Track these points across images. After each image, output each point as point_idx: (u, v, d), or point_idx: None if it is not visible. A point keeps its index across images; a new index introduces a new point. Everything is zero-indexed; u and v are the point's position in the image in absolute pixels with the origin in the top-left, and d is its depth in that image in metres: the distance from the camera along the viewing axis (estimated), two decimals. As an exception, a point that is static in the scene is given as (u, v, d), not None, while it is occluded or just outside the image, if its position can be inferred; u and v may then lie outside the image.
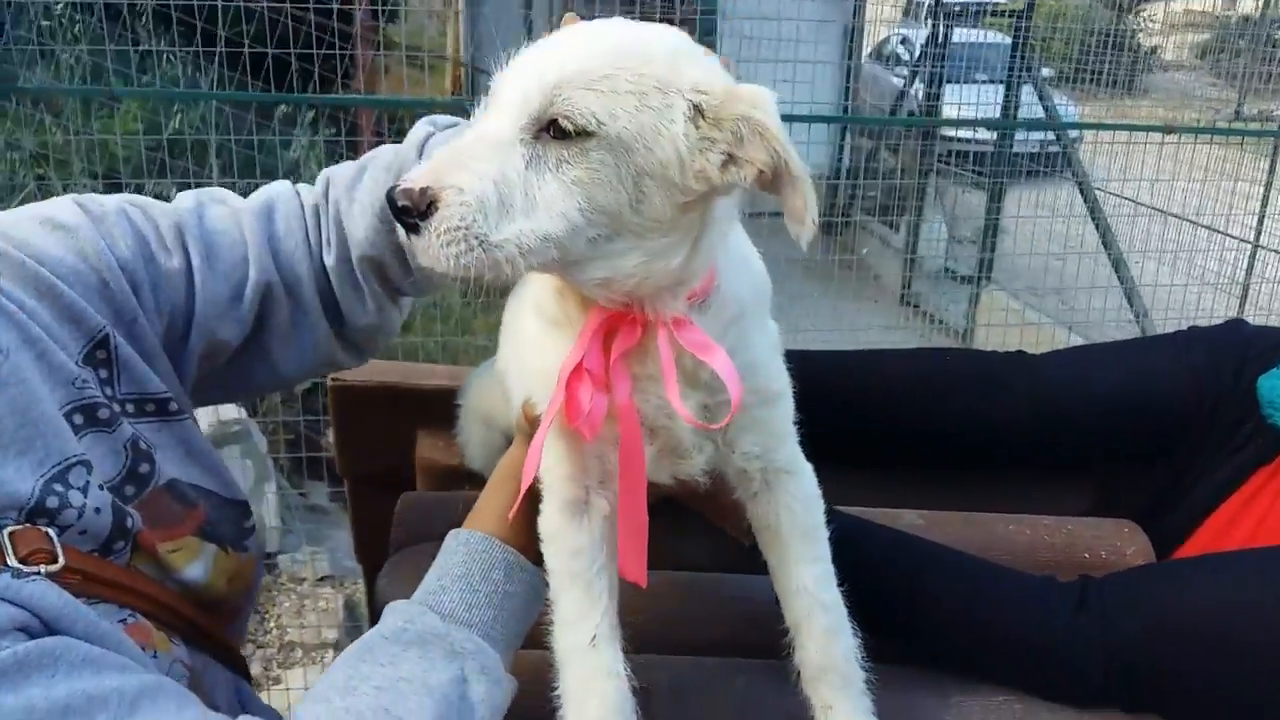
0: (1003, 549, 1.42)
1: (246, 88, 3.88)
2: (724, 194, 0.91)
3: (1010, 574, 1.22)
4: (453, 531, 1.13)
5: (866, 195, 7.51)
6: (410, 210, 0.82)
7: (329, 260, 1.25)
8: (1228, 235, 5.02)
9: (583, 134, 0.84)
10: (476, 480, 1.62)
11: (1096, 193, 5.71)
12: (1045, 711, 1.12)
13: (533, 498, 1.11)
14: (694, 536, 1.35)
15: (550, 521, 1.06)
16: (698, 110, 0.86)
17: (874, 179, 7.91)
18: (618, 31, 0.90)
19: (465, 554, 1.08)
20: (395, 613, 1.04)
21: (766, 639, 1.26)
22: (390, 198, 0.84)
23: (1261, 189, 5.01)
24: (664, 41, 0.90)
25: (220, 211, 1.25)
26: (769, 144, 0.86)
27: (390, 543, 1.50)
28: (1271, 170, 4.95)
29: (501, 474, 1.16)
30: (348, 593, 4.21)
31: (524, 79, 0.86)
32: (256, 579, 1.29)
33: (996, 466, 1.51)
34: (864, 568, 1.08)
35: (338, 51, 3.76)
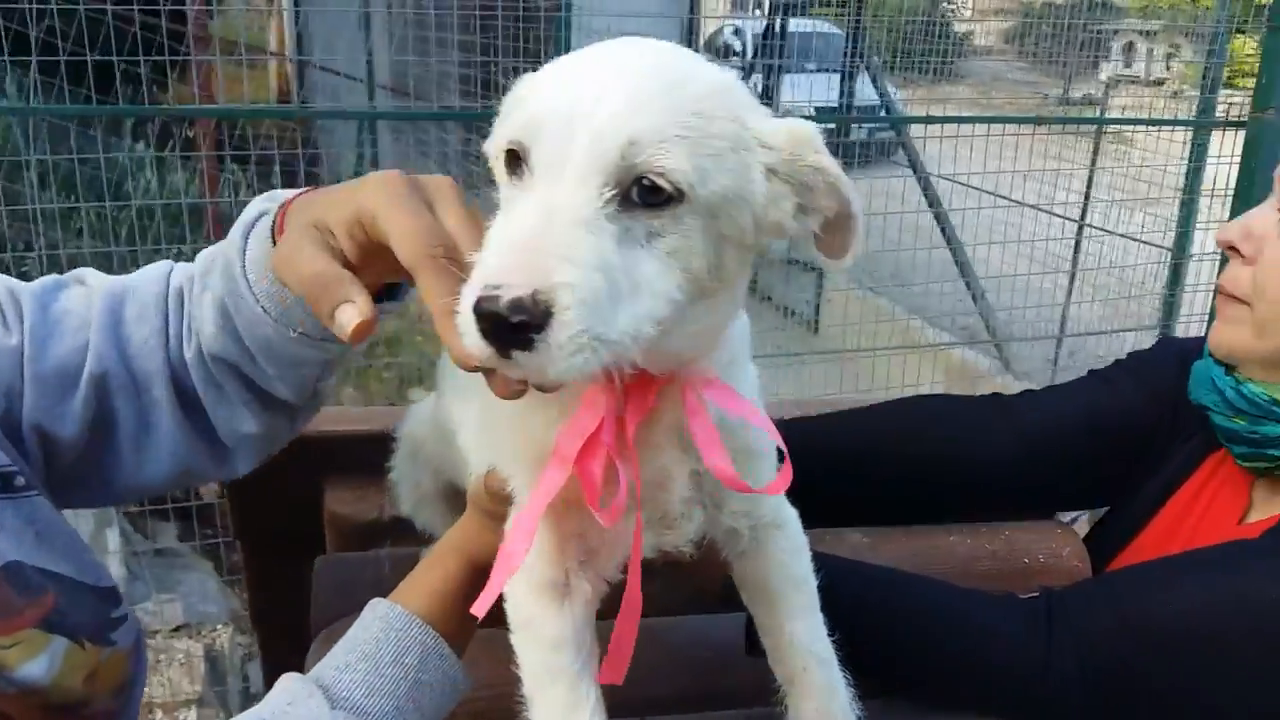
0: (946, 560, 1.44)
1: (65, 96, 3.52)
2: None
3: (976, 599, 1.22)
4: (373, 601, 0.99)
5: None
6: (527, 326, 0.66)
7: (188, 354, 1.07)
8: (1053, 214, 5.33)
9: (672, 199, 0.73)
10: (402, 535, 1.50)
11: (929, 176, 5.98)
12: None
13: (473, 577, 0.99)
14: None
15: (523, 607, 0.94)
16: (769, 167, 0.79)
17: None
18: (663, 61, 0.78)
19: (380, 630, 0.95)
20: (283, 690, 0.91)
21: (734, 685, 1.22)
22: (489, 313, 0.66)
23: (1086, 170, 5.34)
24: (713, 79, 0.79)
25: (77, 293, 1.09)
26: (839, 191, 0.81)
27: (311, 611, 1.37)
28: (1095, 154, 5.27)
29: (444, 547, 1.04)
30: (207, 641, 3.93)
31: (589, 130, 0.71)
32: (133, 677, 1.12)
33: (974, 511, 1.51)
34: (844, 611, 1.05)
35: (168, 56, 3.47)
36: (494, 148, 0.80)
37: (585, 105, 0.72)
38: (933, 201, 5.50)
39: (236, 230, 1.03)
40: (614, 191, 0.71)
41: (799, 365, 5.63)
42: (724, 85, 0.80)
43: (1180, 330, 4.99)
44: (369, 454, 1.45)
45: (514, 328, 0.66)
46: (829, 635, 1.03)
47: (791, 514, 1.05)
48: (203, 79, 3.72)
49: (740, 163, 0.77)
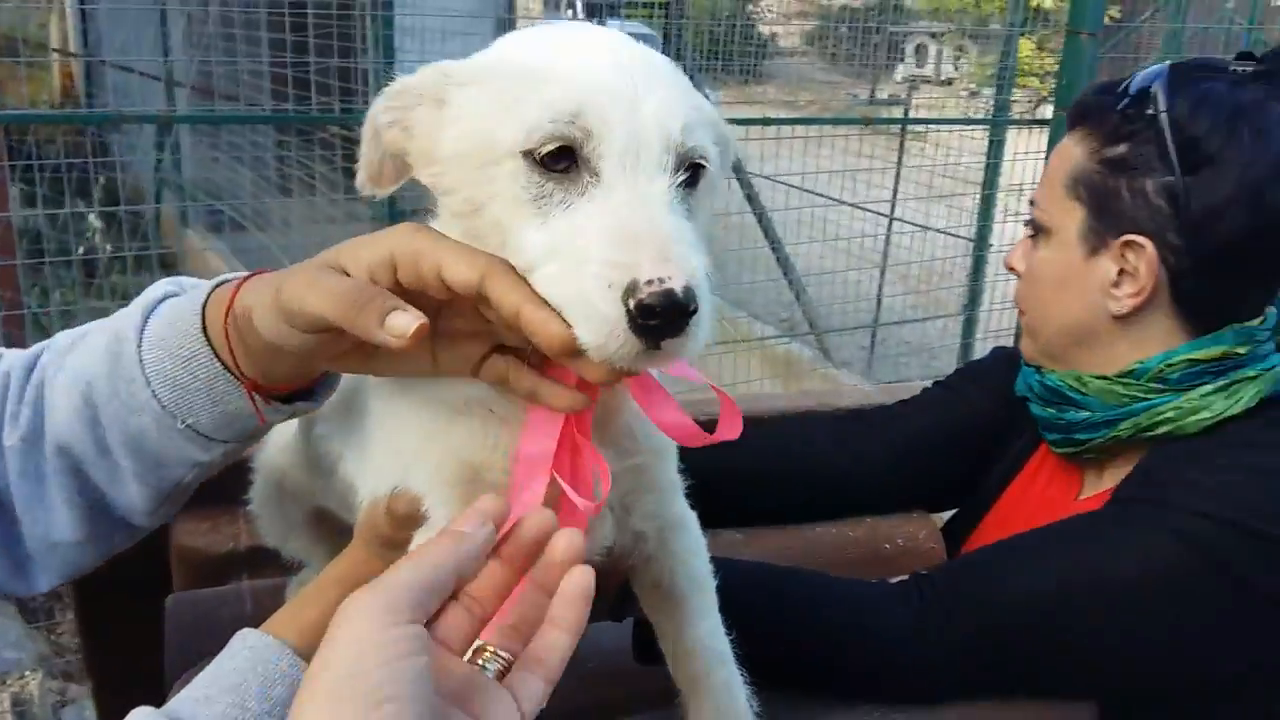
0: (816, 551, 1.49)
1: None
2: None
3: (852, 587, 1.26)
4: (242, 631, 0.91)
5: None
6: (695, 312, 0.68)
7: (7, 439, 0.95)
8: (864, 209, 5.61)
9: (699, 175, 0.77)
10: (261, 566, 1.42)
11: (748, 175, 6.17)
12: (922, 717, 1.17)
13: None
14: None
15: None
16: (715, 139, 0.82)
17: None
18: (641, 47, 0.80)
19: (247, 660, 0.87)
20: None
21: (625, 694, 1.22)
22: (668, 305, 0.67)
23: (894, 169, 5.65)
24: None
25: None
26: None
27: (165, 655, 1.27)
28: (900, 152, 5.59)
29: (326, 580, 0.97)
30: (14, 690, 3.60)
31: (654, 121, 0.73)
32: None
33: (842, 514, 1.57)
34: (737, 608, 1.06)
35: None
36: (498, 149, 0.75)
37: (632, 91, 0.73)
38: (752, 200, 5.68)
39: (133, 310, 0.93)
40: (683, 177, 0.75)
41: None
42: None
43: (983, 317, 5.37)
44: (219, 480, 1.35)
45: (687, 315, 0.68)
46: (727, 634, 1.04)
47: (692, 514, 1.05)
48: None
49: (715, 136, 0.81)
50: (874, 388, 1.86)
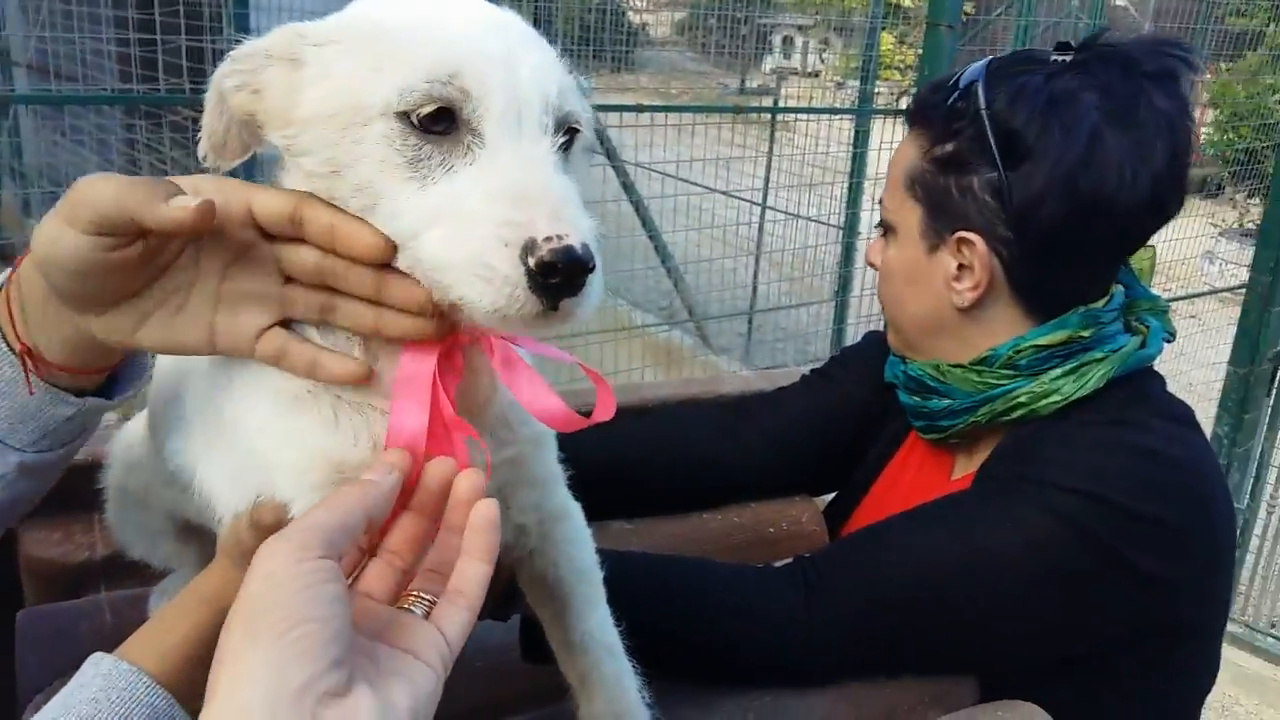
0: (703, 538, 1.50)
1: None
2: None
3: (741, 573, 1.27)
4: (94, 655, 0.84)
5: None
6: (592, 269, 0.68)
7: None
8: (737, 198, 5.69)
9: (573, 137, 0.78)
10: (119, 576, 1.33)
11: (622, 163, 6.18)
12: (812, 697, 1.18)
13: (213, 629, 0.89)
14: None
15: None
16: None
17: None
18: (502, 12, 0.78)
19: (100, 689, 0.79)
20: None
21: (515, 692, 1.20)
22: (570, 263, 0.66)
23: (765, 158, 5.75)
24: None
25: None
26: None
27: (17, 675, 1.18)
28: (771, 142, 5.69)
29: (191, 598, 0.89)
30: None
31: (533, 83, 0.72)
32: None
33: (728, 501, 1.58)
34: (625, 601, 1.05)
35: None
36: (367, 109, 0.71)
37: (507, 52, 0.72)
38: (628, 188, 5.68)
39: None
40: (563, 139, 0.75)
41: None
42: None
43: (854, 304, 5.53)
44: (72, 485, 1.25)
45: (586, 272, 0.67)
46: (616, 625, 1.02)
47: (575, 505, 1.03)
48: None
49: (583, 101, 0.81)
50: (755, 375, 1.88)
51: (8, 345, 0.82)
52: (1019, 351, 1.31)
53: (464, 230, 0.68)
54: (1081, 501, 1.18)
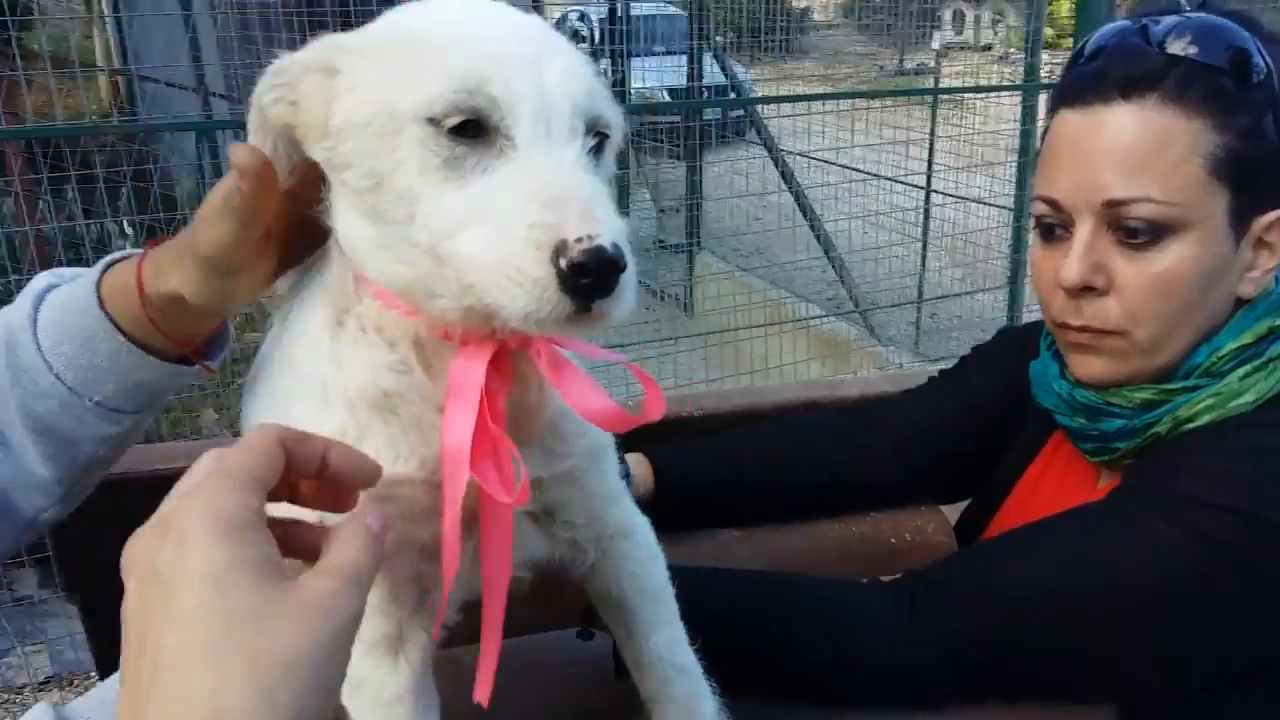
0: (817, 548, 1.45)
1: None
2: None
3: (842, 590, 1.21)
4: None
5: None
6: (624, 269, 0.67)
7: None
8: (901, 182, 5.49)
9: (604, 142, 0.78)
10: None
11: (782, 153, 6.09)
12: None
13: None
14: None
15: (355, 667, 0.86)
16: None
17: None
18: (532, 18, 0.79)
19: None
20: None
21: (606, 701, 1.19)
22: (601, 263, 0.65)
23: (927, 138, 5.52)
24: None
25: None
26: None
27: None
28: (933, 123, 5.45)
29: None
30: (79, 691, 3.70)
31: (560, 87, 0.73)
32: None
33: (847, 509, 1.52)
34: (703, 618, 1.03)
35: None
36: (401, 115, 0.72)
37: (534, 59, 0.73)
38: (787, 178, 5.59)
39: (21, 303, 0.94)
40: (593, 142, 0.75)
41: (674, 348, 5.66)
42: None
43: (1027, 290, 5.22)
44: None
45: (618, 272, 0.67)
46: (691, 645, 1.00)
47: (641, 522, 1.01)
48: (4, 96, 3.43)
49: (615, 107, 0.81)
50: (879, 377, 1.81)
51: (134, 343, 0.92)
52: (1219, 358, 1.18)
53: (496, 232, 0.68)
54: (1225, 518, 1.06)
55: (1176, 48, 1.14)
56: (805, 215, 5.57)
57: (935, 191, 5.54)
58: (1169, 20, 1.16)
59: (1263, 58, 1.13)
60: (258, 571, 0.57)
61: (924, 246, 5.52)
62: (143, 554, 0.58)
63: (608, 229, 0.67)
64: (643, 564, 0.99)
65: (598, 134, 0.76)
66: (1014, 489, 1.47)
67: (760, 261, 6.62)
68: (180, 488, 0.62)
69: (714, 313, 5.87)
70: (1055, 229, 1.22)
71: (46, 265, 3.87)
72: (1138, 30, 1.17)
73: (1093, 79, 1.17)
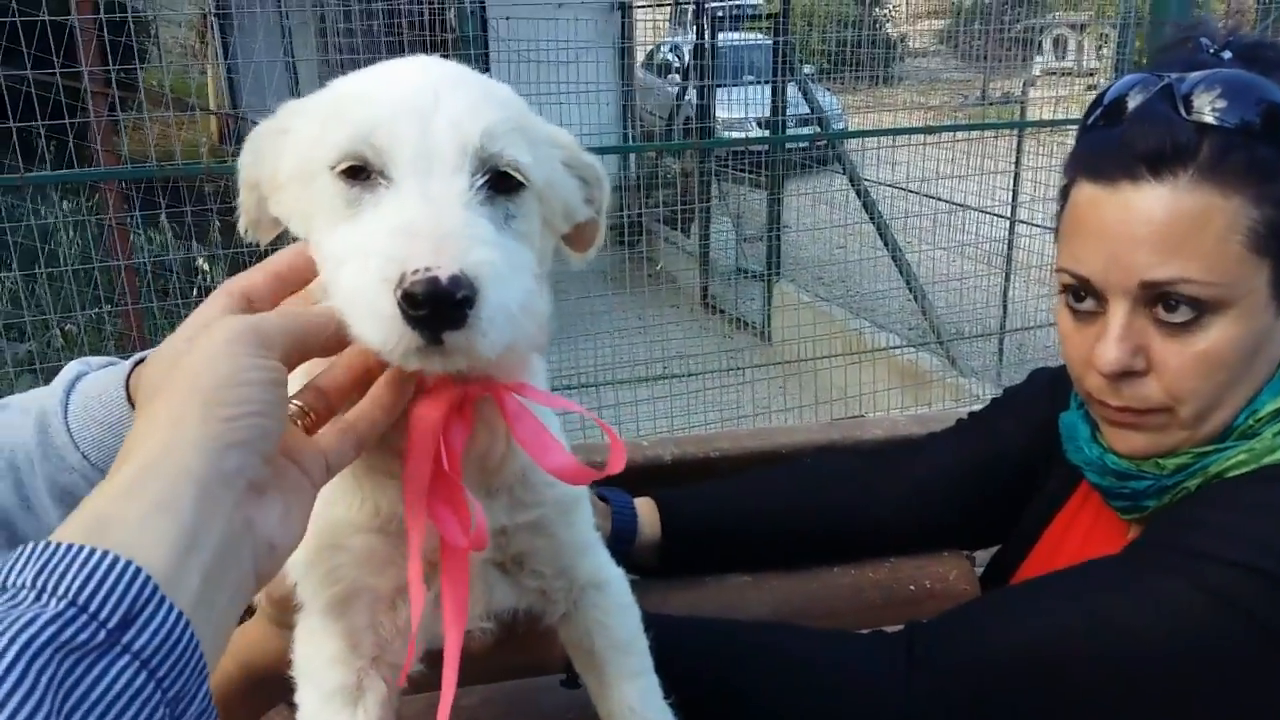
0: (831, 594, 1.41)
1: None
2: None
3: (836, 643, 1.18)
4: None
5: (656, 203, 7.64)
6: (468, 302, 0.66)
7: None
8: (984, 211, 5.38)
9: (519, 186, 0.77)
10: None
11: (865, 183, 6.02)
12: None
13: (248, 686, 0.95)
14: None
15: (312, 717, 0.88)
16: (564, 161, 0.85)
17: (662, 187, 8.05)
18: (463, 71, 0.81)
19: None
20: None
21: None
22: (430, 294, 0.65)
23: (1013, 168, 5.39)
24: (504, 86, 0.84)
25: None
26: (604, 186, 0.88)
27: None
28: (1018, 153, 5.33)
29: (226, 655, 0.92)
30: None
31: (448, 127, 0.74)
32: None
33: (864, 554, 1.48)
34: (685, 674, 1.02)
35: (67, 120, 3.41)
36: (315, 164, 0.76)
37: (428, 107, 0.74)
38: (869, 208, 5.53)
39: (54, 388, 1.00)
40: (484, 179, 0.74)
41: (752, 376, 5.64)
42: (511, 91, 0.83)
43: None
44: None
45: (455, 304, 0.66)
46: (666, 698, 0.99)
47: (615, 573, 1.01)
48: (103, 135, 3.65)
49: (550, 155, 0.82)
50: (905, 418, 1.76)
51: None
52: (1257, 420, 1.12)
53: (360, 265, 0.70)
54: (1240, 575, 1.01)
55: (1204, 105, 1.07)
56: (886, 244, 5.49)
57: (1020, 221, 5.40)
58: (1194, 76, 1.10)
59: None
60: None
61: (1006, 277, 5.38)
62: None
63: (455, 260, 0.66)
64: (614, 615, 0.99)
65: (500, 175, 0.76)
66: (1042, 537, 1.42)
67: (841, 291, 6.55)
68: None
69: (792, 342, 5.82)
70: (1085, 298, 1.17)
71: (136, 296, 4.13)
72: (1161, 90, 1.10)
73: (1116, 151, 1.11)
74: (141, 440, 0.61)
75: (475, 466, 0.85)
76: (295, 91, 5.88)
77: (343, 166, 0.74)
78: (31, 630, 0.50)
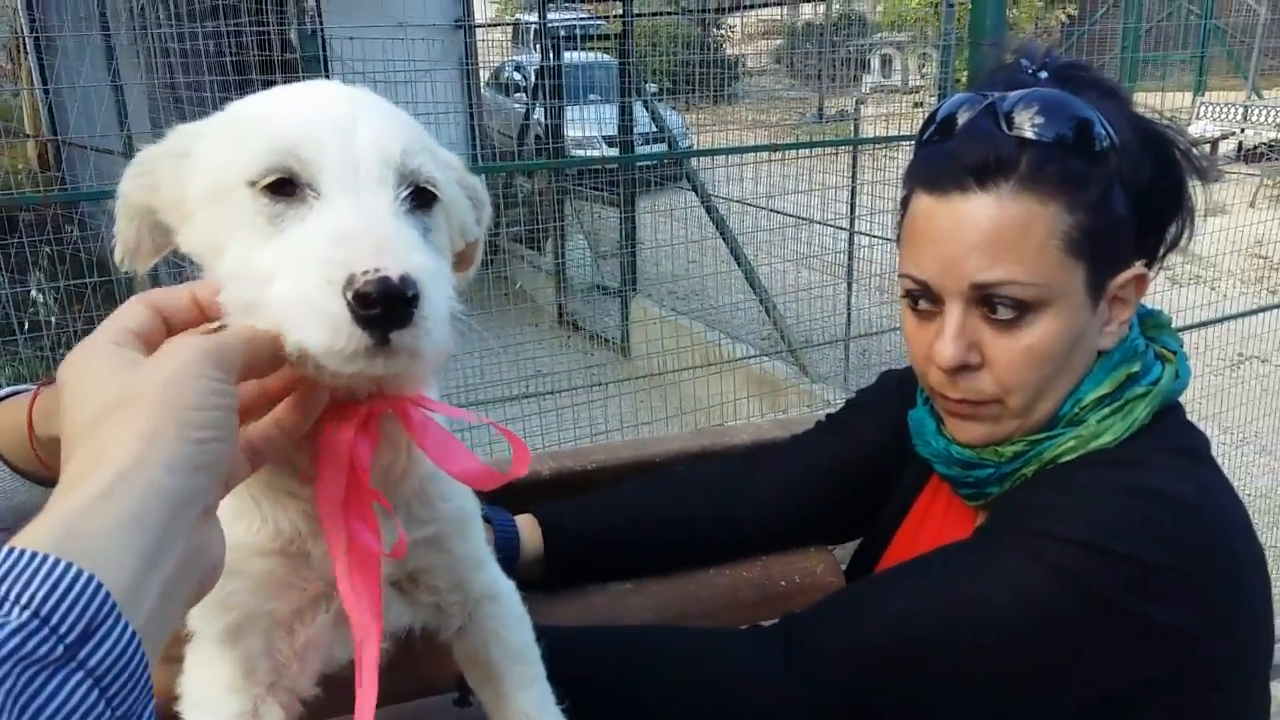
0: (709, 595, 1.47)
1: None
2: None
3: (718, 640, 1.24)
4: None
5: (510, 222, 7.65)
6: (416, 300, 0.68)
7: None
8: (825, 224, 5.62)
9: (433, 200, 0.80)
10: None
11: (713, 199, 6.20)
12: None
13: None
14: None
15: None
16: (456, 180, 0.87)
17: (514, 206, 8.06)
18: (370, 94, 0.83)
19: None
20: None
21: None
22: (381, 294, 0.67)
23: (849, 182, 5.66)
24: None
25: None
26: (488, 206, 0.92)
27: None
28: (854, 168, 5.60)
29: None
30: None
31: (370, 142, 0.76)
32: None
33: (738, 555, 1.54)
34: (576, 680, 1.05)
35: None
36: (228, 184, 0.76)
37: (348, 123, 0.76)
38: (718, 223, 5.69)
39: None
40: (406, 192, 0.76)
41: (612, 392, 5.70)
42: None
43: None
44: None
45: (406, 303, 0.67)
46: (558, 704, 1.02)
47: (507, 585, 1.04)
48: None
49: (449, 175, 0.85)
50: (769, 423, 1.84)
51: (16, 471, 0.96)
52: (1082, 408, 1.23)
53: (298, 272, 0.71)
54: (1076, 551, 1.11)
55: (1024, 122, 1.18)
56: (736, 258, 5.67)
57: (859, 233, 5.67)
58: (1014, 95, 1.20)
59: (1104, 128, 1.18)
60: (131, 357, 0.68)
61: (849, 286, 5.64)
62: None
63: (399, 262, 0.68)
64: (508, 626, 1.01)
65: (417, 189, 0.78)
66: (899, 529, 1.52)
67: (695, 304, 6.71)
68: None
69: (652, 356, 5.93)
70: (922, 301, 1.27)
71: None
72: (986, 108, 1.20)
73: (946, 164, 1.21)
74: (112, 448, 0.61)
75: (377, 482, 0.85)
76: (123, 116, 5.61)
77: (267, 180, 0.74)
78: None
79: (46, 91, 6.39)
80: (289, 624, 0.87)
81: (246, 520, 0.84)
